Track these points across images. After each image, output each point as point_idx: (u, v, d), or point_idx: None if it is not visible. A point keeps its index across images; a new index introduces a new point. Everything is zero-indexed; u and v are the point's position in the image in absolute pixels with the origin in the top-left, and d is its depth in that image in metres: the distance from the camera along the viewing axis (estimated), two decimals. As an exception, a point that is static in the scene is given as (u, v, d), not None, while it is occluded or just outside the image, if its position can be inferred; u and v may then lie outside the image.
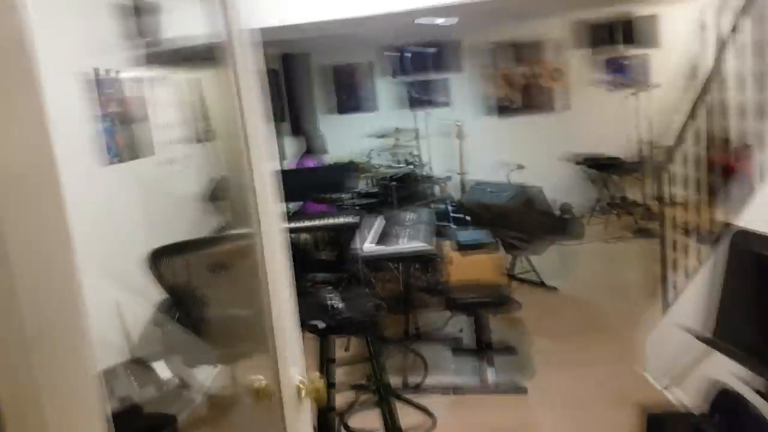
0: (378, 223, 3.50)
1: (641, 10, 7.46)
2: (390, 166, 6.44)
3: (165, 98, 3.48)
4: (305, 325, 2.35)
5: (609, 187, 7.12)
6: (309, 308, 2.46)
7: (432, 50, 7.70)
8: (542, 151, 7.66)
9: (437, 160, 6.81)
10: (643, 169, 7.10)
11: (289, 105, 7.37)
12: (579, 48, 7.55)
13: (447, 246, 3.55)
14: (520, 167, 6.37)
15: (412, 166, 5.95)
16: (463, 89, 7.66)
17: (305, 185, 3.99)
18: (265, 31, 3.78)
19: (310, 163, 5.55)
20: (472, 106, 7.65)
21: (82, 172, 2.74)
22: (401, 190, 5.26)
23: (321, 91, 7.72)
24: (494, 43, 7.56)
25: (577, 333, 4.07)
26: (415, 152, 5.55)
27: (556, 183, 7.52)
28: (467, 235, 3.49)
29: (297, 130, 7.45)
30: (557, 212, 5.66)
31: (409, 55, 5.88)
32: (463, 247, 3.35)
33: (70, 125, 2.70)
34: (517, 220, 4.33)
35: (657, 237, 6.29)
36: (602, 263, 5.66)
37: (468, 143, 6.29)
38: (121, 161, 3.02)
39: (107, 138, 2.91)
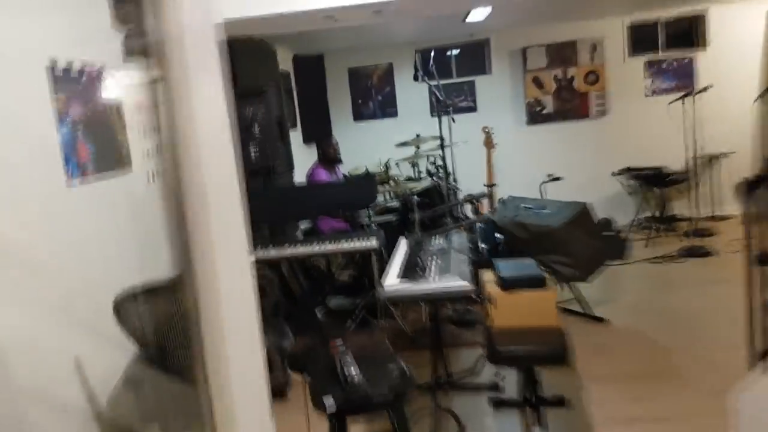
0: (401, 250, 2.89)
1: (687, 9, 6.80)
2: (410, 178, 5.84)
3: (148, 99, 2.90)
4: (313, 399, 1.77)
5: (650, 200, 6.44)
6: (318, 373, 1.87)
7: (457, 50, 7.10)
8: (577, 161, 7.00)
9: (463, 170, 6.19)
10: (689, 181, 6.41)
11: (300, 111, 6.81)
12: (618, 49, 6.90)
13: (487, 279, 2.93)
14: (556, 179, 5.72)
15: (434, 178, 5.34)
16: (492, 93, 7.05)
17: (317, 203, 3.39)
18: (267, 24, 3.21)
19: (323, 174, 4.96)
20: (500, 112, 7.03)
21: (30, 193, 2.17)
22: (425, 206, 4.66)
23: (336, 95, 7.15)
24: (525, 43, 6.93)
25: (641, 378, 3.42)
26: (439, 162, 4.92)
27: (592, 195, 6.85)
28: (511, 267, 2.86)
29: (309, 137, 6.89)
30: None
31: (432, 55, 5.27)
32: (509, 285, 2.73)
33: (13, 133, 2.13)
34: (562, 241, 3.70)
35: (708, 256, 5.70)
36: (652, 288, 4.98)
37: (497, 152, 5.65)
38: (84, 178, 2.46)
39: (66, 149, 2.35)
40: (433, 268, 2.57)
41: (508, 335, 2.61)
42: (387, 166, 5.84)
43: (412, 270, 2.58)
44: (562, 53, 6.91)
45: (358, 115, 7.16)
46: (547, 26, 6.85)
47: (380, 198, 5.28)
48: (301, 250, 3.33)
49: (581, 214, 3.77)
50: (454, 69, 7.09)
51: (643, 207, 6.59)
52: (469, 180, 6.45)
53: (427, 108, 7.02)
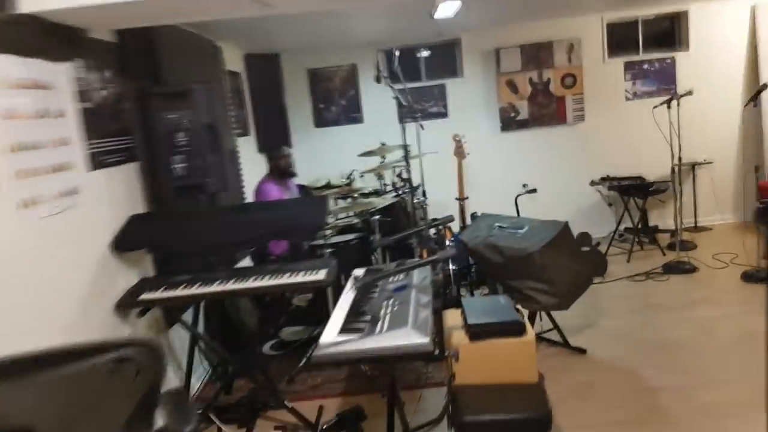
0: (347, 294, 2.35)
1: (668, 8, 6.41)
2: (376, 191, 5.30)
3: (26, 102, 2.32)
4: None
5: (630, 210, 6.02)
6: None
7: (427, 52, 6.59)
8: (554, 170, 6.55)
9: (433, 183, 5.68)
10: (671, 190, 6.01)
11: (254, 116, 6.23)
12: (597, 50, 6.47)
13: (452, 324, 2.40)
14: (531, 191, 5.24)
15: (400, 192, 4.81)
16: (463, 98, 6.55)
17: (246, 230, 2.82)
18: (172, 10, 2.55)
19: (273, 189, 4.39)
20: (473, 118, 6.54)
21: None
22: (388, 225, 4.14)
23: (295, 99, 6.58)
24: (499, 43, 6.45)
25: (629, 426, 2.93)
26: (405, 174, 4.39)
27: (569, 206, 6.42)
28: (482, 310, 2.33)
29: (265, 145, 6.30)
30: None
31: (397, 54, 4.75)
32: (479, 334, 2.20)
33: None
34: (540, 266, 3.20)
35: (692, 272, 5.28)
36: (634, 310, 4.52)
37: (469, 162, 5.15)
38: None
39: None
40: (385, 316, 2.02)
41: (476, 398, 2.08)
42: (350, 178, 5.29)
43: (357, 320, 2.03)
44: (537, 54, 6.46)
45: (320, 120, 6.60)
46: (522, 25, 6.39)
47: (342, 215, 4.73)
48: (231, 287, 2.75)
49: (561, 235, 3.27)
50: (424, 71, 6.58)
51: (623, 218, 6.16)
52: (439, 193, 5.95)
53: (395, 114, 6.49)
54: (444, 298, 3.18)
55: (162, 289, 2.82)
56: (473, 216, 5.16)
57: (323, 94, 6.56)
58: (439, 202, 6.10)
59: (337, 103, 6.56)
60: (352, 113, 6.57)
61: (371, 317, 2.02)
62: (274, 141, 6.36)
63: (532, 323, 3.72)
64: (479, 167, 6.36)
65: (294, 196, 4.71)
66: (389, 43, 6.39)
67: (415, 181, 5.76)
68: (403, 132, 3.64)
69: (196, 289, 2.77)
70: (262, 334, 4.23)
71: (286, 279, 2.75)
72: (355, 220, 4.44)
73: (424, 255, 3.04)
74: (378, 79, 4.48)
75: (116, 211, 3.04)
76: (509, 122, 6.55)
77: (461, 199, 5.09)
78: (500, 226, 3.55)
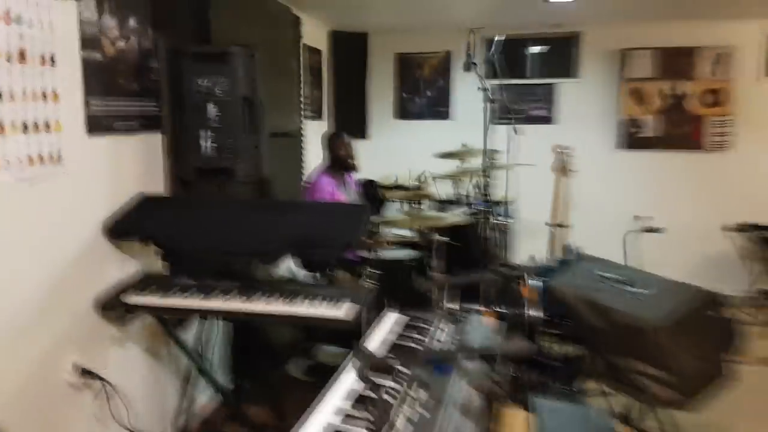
0: (347, 371, 1.67)
1: None
2: (449, 201, 4.60)
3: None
4: None
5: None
6: None
7: (538, 45, 5.77)
8: (675, 205, 5.52)
9: (522, 199, 4.89)
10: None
11: (333, 99, 5.69)
12: (752, 65, 5.38)
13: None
14: (652, 230, 4.33)
15: (473, 208, 4.06)
16: (576, 103, 5.67)
17: (253, 237, 2.23)
18: None
19: (327, 184, 3.81)
20: (584, 128, 5.64)
21: None
22: (454, 251, 3.44)
23: (378, 85, 5.98)
24: (627, 43, 5.52)
25: None
26: (489, 184, 3.65)
27: (687, 253, 5.37)
28: (560, 426, 1.57)
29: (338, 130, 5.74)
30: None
31: (500, 41, 4.01)
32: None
33: None
34: (662, 347, 2.38)
35: None
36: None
37: (574, 181, 4.32)
38: None
39: None
40: (401, 419, 1.33)
41: None
42: (421, 181, 4.62)
43: (358, 417, 1.35)
44: (673, 62, 5.46)
45: (402, 111, 5.96)
46: (658, 25, 5.41)
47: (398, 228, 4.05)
48: (234, 305, 2.17)
49: (701, 308, 2.44)
50: (530, 67, 5.76)
51: (760, 276, 5.06)
52: (529, 214, 5.14)
53: (491, 113, 5.73)
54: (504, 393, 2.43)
55: (151, 292, 2.29)
56: (567, 249, 4.33)
57: (410, 82, 5.91)
58: (527, 226, 5.28)
59: (423, 94, 5.89)
60: (438, 107, 5.88)
61: (378, 418, 1.32)
62: (350, 128, 5.77)
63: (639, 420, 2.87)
64: (583, 189, 5.46)
65: (351, 195, 4.10)
66: (493, 30, 5.61)
67: (500, 196, 4.99)
68: (485, 134, 2.90)
69: (188, 301, 2.22)
70: (291, 352, 3.66)
71: (298, 307, 2.14)
72: (414, 236, 3.75)
73: (488, 316, 2.31)
74: (467, 67, 3.77)
75: (121, 188, 2.55)
76: (629, 139, 5.60)
77: (555, 225, 4.28)
78: (606, 277, 2.74)
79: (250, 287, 2.32)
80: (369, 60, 5.92)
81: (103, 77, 2.38)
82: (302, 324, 2.08)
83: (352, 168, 3.94)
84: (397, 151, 5.89)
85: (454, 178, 4.03)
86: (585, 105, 5.65)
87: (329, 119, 5.77)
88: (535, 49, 5.77)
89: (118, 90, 2.49)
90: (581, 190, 5.46)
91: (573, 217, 5.05)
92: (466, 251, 3.51)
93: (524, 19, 5.29)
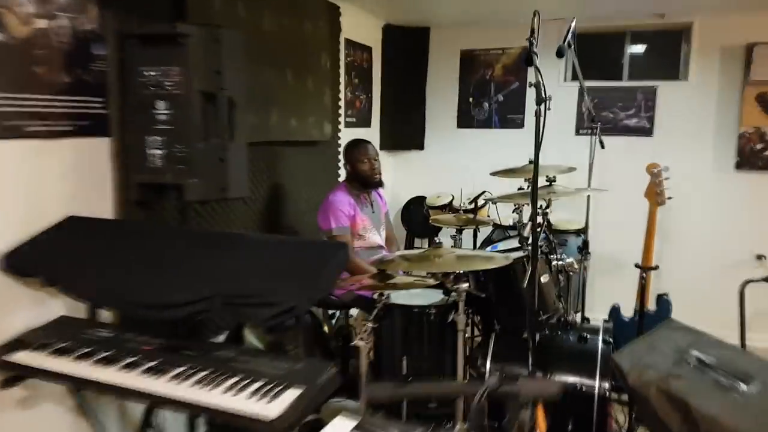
0: None
1: None
2: (505, 227, 3.84)
3: None
4: None
5: None
6: None
7: (636, 45, 4.86)
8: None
9: (603, 232, 4.04)
10: None
11: (381, 104, 5.10)
12: None
13: None
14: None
15: (525, 246, 3.26)
16: (682, 111, 4.71)
17: (197, 286, 1.62)
18: None
19: (345, 204, 3.20)
20: (692, 143, 4.67)
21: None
22: (489, 305, 2.70)
23: (438, 88, 5.30)
24: (753, 37, 4.51)
25: None
26: (548, 212, 2.86)
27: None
28: None
29: (390, 142, 5.16)
30: None
31: (573, 28, 3.21)
32: None
33: None
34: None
35: None
36: None
37: (668, 209, 3.44)
38: None
39: None
40: None
41: None
42: (475, 203, 3.89)
43: None
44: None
45: (466, 119, 5.25)
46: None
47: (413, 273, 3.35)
48: (128, 382, 1.59)
49: None
50: (625, 66, 4.87)
51: None
52: (611, 251, 4.27)
53: (572, 120, 4.91)
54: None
55: (41, 347, 1.77)
56: (662, 302, 3.44)
57: (476, 84, 5.19)
58: (607, 267, 4.41)
59: (491, 99, 5.14)
60: (510, 113, 5.10)
61: None
62: (404, 138, 5.21)
63: None
64: (685, 220, 4.49)
65: (377, 216, 3.45)
66: (581, 22, 4.79)
67: (574, 226, 4.16)
68: (535, 150, 2.15)
69: (81, 367, 1.67)
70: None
71: (212, 395, 1.51)
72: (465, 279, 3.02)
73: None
74: (560, 52, 2.99)
75: (38, 209, 2.06)
76: (752, 157, 4.56)
77: (646, 268, 3.41)
78: (705, 363, 1.92)
79: (174, 350, 1.74)
80: (429, 58, 5.27)
81: (6, 66, 1.90)
82: (219, 421, 1.46)
83: (373, 184, 3.30)
84: (458, 165, 5.19)
85: (514, 201, 3.27)
86: (693, 114, 4.67)
87: (380, 127, 5.16)
88: (633, 45, 4.87)
89: (35, 83, 2.01)
90: (683, 222, 4.49)
91: (670, 257, 4.13)
92: (513, 301, 2.74)
93: (620, 8, 4.44)
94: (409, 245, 5.30)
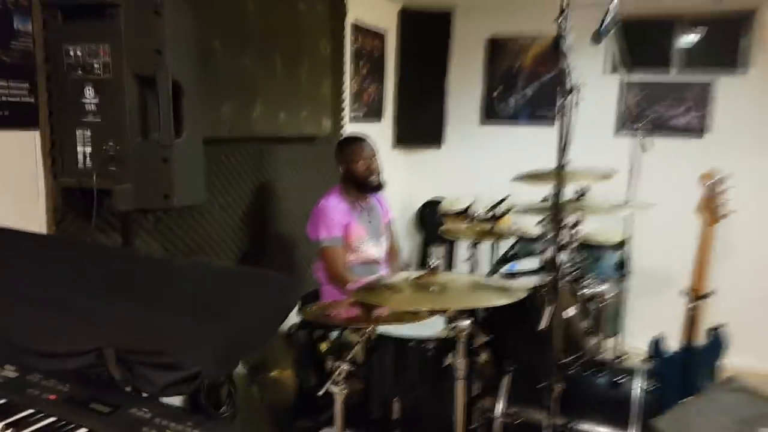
0: None
1: None
2: (525, 238, 3.42)
3: None
4: None
5: None
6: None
7: (689, 28, 4.35)
8: None
9: (643, 248, 3.57)
10: None
11: (397, 94, 4.70)
12: None
13: None
14: None
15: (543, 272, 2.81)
16: (742, 107, 4.19)
17: (91, 333, 1.24)
18: None
19: (338, 212, 2.82)
20: (754, 146, 4.15)
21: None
22: (496, 346, 2.28)
23: (461, 78, 4.87)
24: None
25: None
26: (581, 230, 2.40)
27: None
28: None
29: (405, 138, 4.77)
30: None
31: (613, 10, 2.75)
32: None
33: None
34: None
35: None
36: None
37: (729, 223, 2.97)
38: None
39: None
40: None
41: None
42: (495, 212, 3.46)
43: None
44: None
45: (491, 113, 4.80)
46: None
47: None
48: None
49: None
50: (676, 56, 4.35)
51: None
52: (654, 271, 3.80)
53: (611, 118, 4.43)
54: None
55: None
56: (714, 336, 2.97)
57: (504, 75, 4.74)
58: (650, 288, 3.94)
59: (520, 92, 4.69)
60: (540, 108, 4.64)
61: None
62: (420, 133, 4.81)
63: None
64: (743, 237, 3.97)
65: (377, 226, 3.05)
66: (625, 5, 4.29)
67: (609, 236, 3.71)
68: (560, 150, 1.73)
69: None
70: None
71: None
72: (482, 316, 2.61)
73: None
74: (598, 36, 2.56)
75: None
76: (824, 164, 4.02)
77: (698, 296, 2.95)
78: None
79: (81, 404, 1.37)
80: (451, 46, 4.84)
81: None
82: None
83: (370, 187, 2.90)
84: (480, 165, 4.75)
85: (535, 213, 2.82)
86: (754, 111, 4.14)
87: (393, 122, 4.76)
88: (685, 34, 4.35)
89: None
90: (741, 239, 3.97)
91: (725, 281, 3.62)
92: (529, 338, 2.31)
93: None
94: (423, 254, 4.89)
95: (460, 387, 1.96)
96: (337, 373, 1.85)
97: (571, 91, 1.79)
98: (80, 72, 1.75)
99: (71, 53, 1.75)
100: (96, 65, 1.74)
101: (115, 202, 1.74)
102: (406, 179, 4.98)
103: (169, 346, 1.18)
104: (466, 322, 1.90)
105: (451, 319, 1.95)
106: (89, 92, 1.76)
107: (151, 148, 1.80)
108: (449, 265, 4.71)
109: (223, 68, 2.60)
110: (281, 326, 1.33)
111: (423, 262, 4.90)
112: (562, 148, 1.88)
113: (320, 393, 1.85)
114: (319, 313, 2.10)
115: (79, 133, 1.79)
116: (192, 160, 1.92)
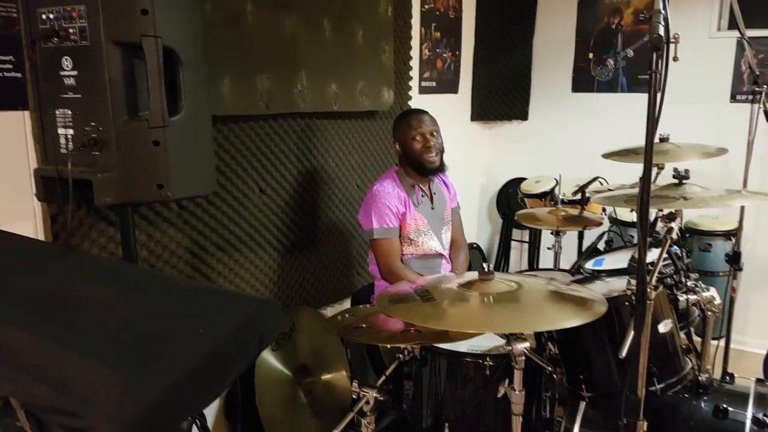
0: None
1: None
2: (623, 231, 2.90)
3: None
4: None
5: None
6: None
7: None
8: None
9: (762, 237, 2.95)
10: None
11: (474, 64, 4.24)
12: None
13: None
14: None
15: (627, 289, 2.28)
16: None
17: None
18: None
19: (390, 199, 2.45)
20: None
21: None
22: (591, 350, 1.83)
23: (547, 45, 4.31)
24: None
25: None
26: (674, 226, 1.87)
27: None
28: None
29: (485, 112, 4.32)
30: None
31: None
32: None
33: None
34: None
35: None
36: None
37: None
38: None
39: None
40: None
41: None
42: (582, 193, 2.95)
43: None
44: None
45: (584, 81, 4.21)
46: None
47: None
48: None
49: None
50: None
51: None
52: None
53: (727, 83, 3.73)
54: None
55: None
56: None
57: (599, 36, 4.12)
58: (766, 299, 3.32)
59: (618, 54, 4.06)
60: (643, 73, 3.99)
61: None
62: (501, 105, 4.36)
63: None
64: None
65: (440, 215, 2.65)
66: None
67: (721, 223, 3.12)
68: (650, 122, 1.26)
69: None
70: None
71: None
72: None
73: None
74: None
75: None
76: None
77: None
78: None
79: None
80: (538, 4, 4.28)
81: None
82: None
83: (429, 169, 2.48)
84: (571, 140, 4.19)
85: (618, 202, 2.30)
86: None
87: (472, 92, 4.29)
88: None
89: None
90: None
91: None
92: (609, 359, 1.85)
93: None
94: (506, 238, 4.42)
95: (516, 424, 1.54)
96: (363, 403, 1.49)
97: (663, 46, 1.30)
98: (56, 40, 1.47)
99: (44, 17, 1.47)
100: (72, 31, 1.45)
101: (97, 195, 1.46)
102: (487, 155, 4.52)
103: (82, 408, 0.86)
104: (523, 345, 1.48)
105: (506, 337, 1.53)
106: (67, 64, 1.48)
107: (141, 129, 1.50)
108: (532, 254, 4.21)
109: (257, 33, 2.27)
110: (239, 372, 0.98)
111: (506, 248, 4.44)
112: (651, 122, 1.39)
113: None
114: (350, 327, 1.74)
115: (59, 112, 1.52)
116: (194, 143, 1.61)
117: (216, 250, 2.30)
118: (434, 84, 3.80)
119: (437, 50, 3.79)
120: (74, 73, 1.48)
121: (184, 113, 1.56)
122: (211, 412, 2.34)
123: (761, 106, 2.59)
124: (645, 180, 1.36)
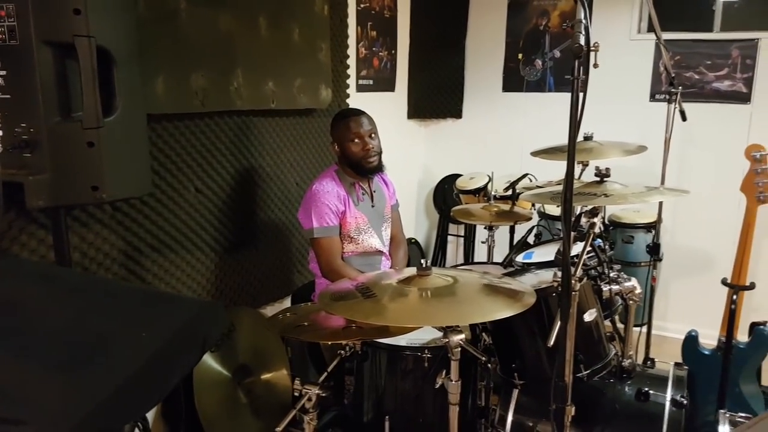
0: None
1: None
2: (551, 225, 3.03)
3: None
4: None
5: None
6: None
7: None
8: None
9: (680, 230, 3.14)
10: None
11: (410, 63, 4.31)
12: None
13: None
14: None
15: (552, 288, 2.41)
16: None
17: None
18: None
19: (329, 198, 2.47)
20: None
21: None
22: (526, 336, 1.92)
23: (478, 45, 4.42)
24: None
25: None
26: (596, 222, 1.98)
27: None
28: None
29: (420, 110, 4.39)
30: None
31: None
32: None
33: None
34: None
35: None
36: None
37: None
38: None
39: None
40: None
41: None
42: (513, 190, 3.06)
43: None
44: None
45: (514, 81, 4.35)
46: None
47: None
48: None
49: None
50: (720, 14, 3.82)
51: None
52: (689, 259, 3.38)
53: (646, 83, 3.94)
54: None
55: None
56: (758, 332, 2.56)
57: (528, 37, 4.27)
58: (685, 274, 3.54)
59: (546, 55, 4.22)
60: (569, 74, 4.15)
61: None
62: (436, 104, 4.43)
63: None
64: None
65: (380, 212, 2.69)
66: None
67: (643, 216, 3.31)
68: (572, 123, 1.35)
69: None
70: None
71: None
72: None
73: None
74: None
75: None
76: None
77: (737, 286, 2.54)
78: None
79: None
80: (470, 6, 4.38)
81: None
82: None
83: (368, 169, 2.52)
84: (502, 138, 4.33)
85: (542, 199, 2.41)
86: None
87: (408, 91, 4.36)
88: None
89: None
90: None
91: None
92: (539, 346, 1.95)
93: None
94: (443, 233, 4.52)
95: (453, 413, 1.61)
96: (305, 400, 1.52)
97: (584, 49, 1.39)
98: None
99: (-29, 15, 1.42)
100: (0, 30, 1.40)
101: (28, 197, 1.43)
102: (424, 153, 4.60)
103: (25, 414, 0.86)
104: (459, 337, 1.55)
105: (442, 330, 1.60)
106: (-8, 61, 1.43)
107: (74, 130, 1.47)
108: (467, 247, 4.34)
109: (192, 30, 2.25)
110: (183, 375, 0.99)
111: (443, 243, 4.54)
112: (573, 124, 1.48)
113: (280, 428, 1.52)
114: (291, 325, 1.76)
115: (-8, 113, 1.47)
116: (129, 144, 1.59)
117: (151, 251, 2.26)
118: (371, 82, 3.85)
119: (374, 49, 3.84)
120: (2, 72, 1.43)
121: (118, 114, 1.54)
122: (149, 414, 2.31)
123: (676, 106, 2.77)
124: (568, 179, 1.45)
